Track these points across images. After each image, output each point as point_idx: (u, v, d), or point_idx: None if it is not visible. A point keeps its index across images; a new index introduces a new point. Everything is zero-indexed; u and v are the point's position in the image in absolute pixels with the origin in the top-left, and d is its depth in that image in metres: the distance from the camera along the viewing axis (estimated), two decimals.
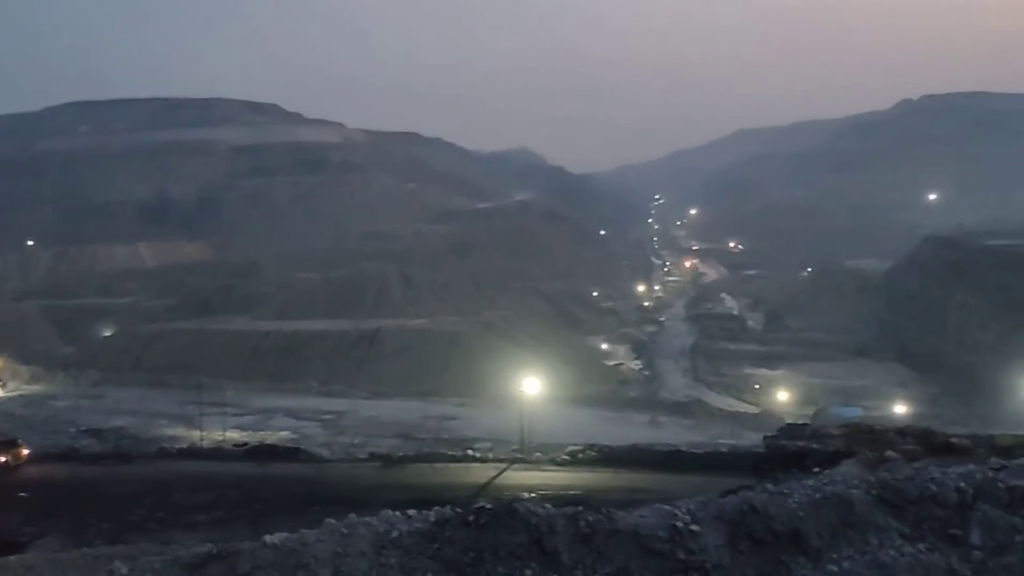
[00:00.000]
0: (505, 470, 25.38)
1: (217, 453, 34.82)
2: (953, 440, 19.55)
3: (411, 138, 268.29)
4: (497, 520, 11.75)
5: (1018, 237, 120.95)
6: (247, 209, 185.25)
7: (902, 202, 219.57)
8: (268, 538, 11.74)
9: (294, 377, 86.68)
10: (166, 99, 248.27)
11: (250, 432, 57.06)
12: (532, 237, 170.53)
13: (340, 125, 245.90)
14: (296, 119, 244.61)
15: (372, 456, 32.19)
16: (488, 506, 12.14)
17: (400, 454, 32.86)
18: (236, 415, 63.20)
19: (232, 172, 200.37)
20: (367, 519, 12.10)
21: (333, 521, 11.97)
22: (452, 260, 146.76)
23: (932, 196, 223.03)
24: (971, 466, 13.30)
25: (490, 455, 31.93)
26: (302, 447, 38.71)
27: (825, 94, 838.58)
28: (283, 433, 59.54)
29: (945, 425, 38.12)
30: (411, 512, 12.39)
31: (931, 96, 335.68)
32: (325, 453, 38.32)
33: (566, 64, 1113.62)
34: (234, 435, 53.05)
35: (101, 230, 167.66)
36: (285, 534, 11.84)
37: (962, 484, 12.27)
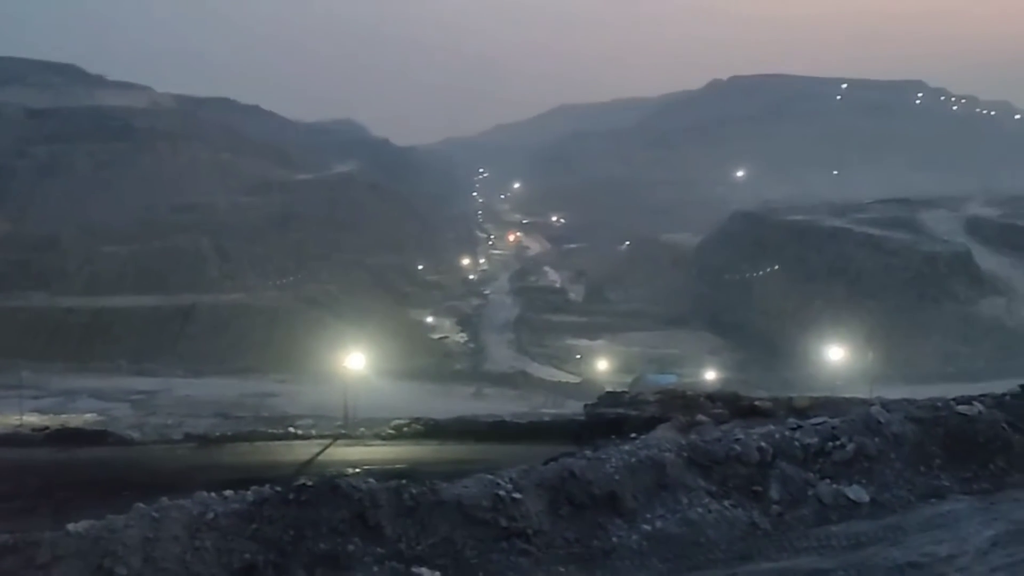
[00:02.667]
0: (329, 446, 24.88)
1: (13, 439, 32.14)
2: (757, 403, 20.80)
3: (226, 105, 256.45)
4: (319, 496, 11.54)
5: (815, 212, 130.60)
6: (44, 178, 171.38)
7: (713, 178, 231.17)
8: (71, 526, 10.99)
9: (101, 356, 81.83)
10: None
11: (51, 415, 53.27)
12: (356, 210, 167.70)
13: (147, 89, 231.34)
14: (98, 82, 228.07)
15: (187, 437, 30.69)
16: (309, 483, 11.90)
17: (217, 433, 31.57)
18: (35, 398, 59.08)
19: (25, 138, 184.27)
20: (180, 502, 11.56)
21: (143, 505, 11.34)
22: (271, 233, 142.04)
23: (740, 173, 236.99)
24: (771, 427, 14.20)
25: (313, 431, 31.25)
26: (110, 430, 36.53)
27: (641, 73, 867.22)
28: (88, 416, 55.95)
29: (750, 389, 40.55)
30: (228, 493, 11.94)
31: (738, 77, 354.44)
32: (135, 435, 36.28)
33: (389, 35, 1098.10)
34: (33, 419, 49.47)
35: None
36: (90, 521, 11.12)
37: (763, 444, 13.08)
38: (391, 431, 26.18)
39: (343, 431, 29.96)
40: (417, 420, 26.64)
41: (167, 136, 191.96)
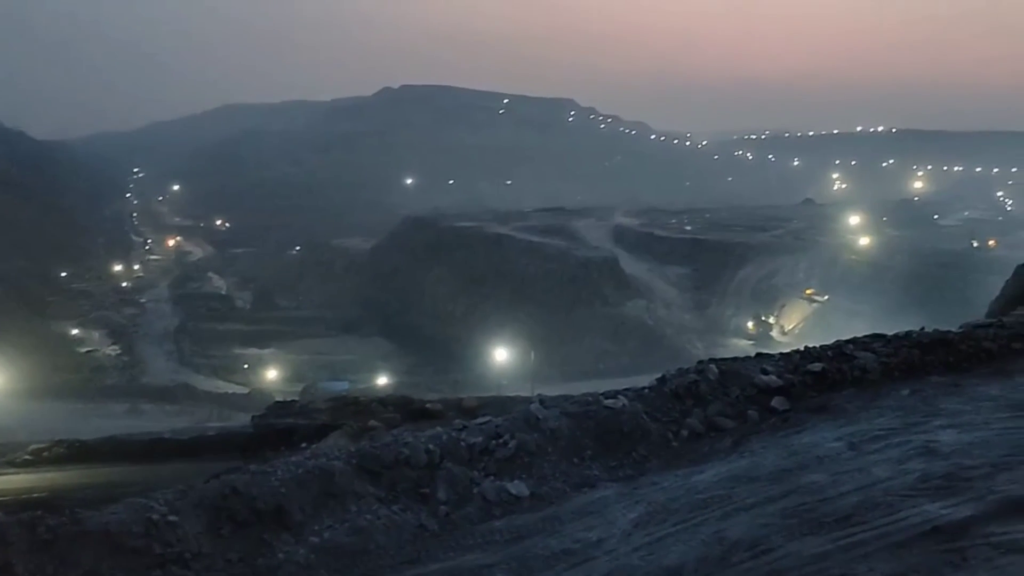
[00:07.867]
0: None
1: None
2: (428, 405, 21.11)
3: None
4: None
5: (482, 219, 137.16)
6: None
7: (385, 184, 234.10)
8: None
9: None
10: None
11: None
12: None
13: None
14: None
15: None
16: None
17: None
18: None
19: None
20: None
21: None
22: None
23: (410, 180, 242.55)
24: (439, 428, 14.43)
25: None
26: None
27: (311, 76, 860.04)
28: None
29: (422, 392, 41.43)
30: None
31: (409, 87, 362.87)
32: None
33: (24, 19, 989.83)
34: None
35: None
36: None
37: (431, 446, 13.25)
38: (28, 456, 23.41)
39: None
40: (60, 443, 24.02)
41: None
